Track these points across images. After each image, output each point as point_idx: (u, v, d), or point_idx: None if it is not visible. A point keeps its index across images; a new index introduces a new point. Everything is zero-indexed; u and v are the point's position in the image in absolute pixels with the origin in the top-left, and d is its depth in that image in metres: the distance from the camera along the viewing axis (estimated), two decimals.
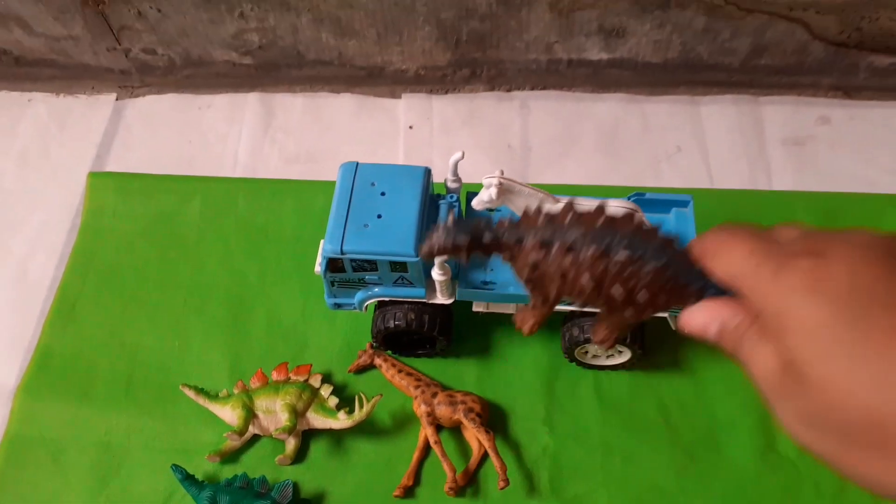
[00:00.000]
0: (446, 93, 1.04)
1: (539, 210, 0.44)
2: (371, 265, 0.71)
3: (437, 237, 0.45)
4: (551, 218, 0.43)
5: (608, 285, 0.40)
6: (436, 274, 0.71)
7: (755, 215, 0.91)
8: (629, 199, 0.77)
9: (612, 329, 0.46)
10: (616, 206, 0.70)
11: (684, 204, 0.78)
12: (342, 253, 0.69)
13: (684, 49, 0.98)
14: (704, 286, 0.39)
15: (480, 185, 0.71)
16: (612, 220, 0.41)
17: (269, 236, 0.90)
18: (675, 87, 1.03)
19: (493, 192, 0.69)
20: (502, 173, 0.70)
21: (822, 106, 1.03)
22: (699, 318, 0.37)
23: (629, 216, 0.42)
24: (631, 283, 0.40)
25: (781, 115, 1.02)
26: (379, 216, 0.71)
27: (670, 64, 1.00)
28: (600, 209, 0.42)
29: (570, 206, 0.43)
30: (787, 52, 0.98)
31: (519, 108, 1.03)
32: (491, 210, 0.79)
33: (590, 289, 0.40)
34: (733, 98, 1.03)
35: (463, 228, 0.45)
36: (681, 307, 0.40)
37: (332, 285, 0.75)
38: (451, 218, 0.46)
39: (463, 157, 0.74)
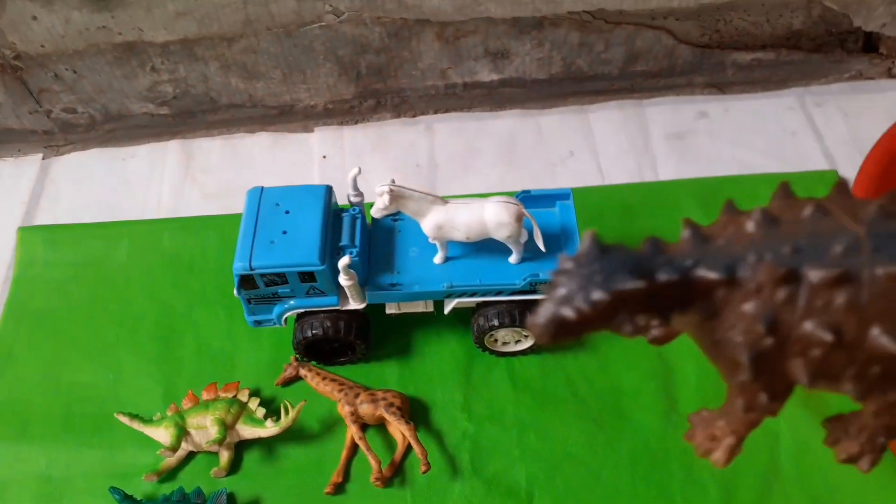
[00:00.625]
0: (356, 123, 1.12)
1: (732, 210, 0.30)
2: (281, 278, 0.77)
3: (568, 291, 0.26)
4: (771, 221, 0.28)
5: None
6: (342, 279, 0.77)
7: (642, 205, 0.99)
8: (516, 196, 0.84)
9: (889, 430, 0.33)
10: (496, 202, 0.77)
11: (566, 197, 0.85)
12: (251, 269, 0.75)
13: (565, 63, 1.07)
14: None
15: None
16: (885, 209, 0.28)
17: (193, 269, 0.95)
18: (564, 99, 1.12)
19: (385, 199, 0.76)
20: (393, 182, 0.77)
21: (700, 102, 1.13)
22: None
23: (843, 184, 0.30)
24: None
25: (663, 113, 1.11)
26: (284, 232, 0.77)
27: (556, 78, 1.09)
28: (842, 185, 0.29)
29: (786, 192, 0.29)
30: (659, 57, 1.08)
31: (424, 131, 1.11)
32: (394, 219, 0.87)
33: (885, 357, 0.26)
34: (618, 103, 1.12)
35: (616, 263, 0.27)
36: None
37: (249, 302, 0.81)
38: (586, 243, 0.28)
39: (359, 172, 0.81)
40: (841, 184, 0.30)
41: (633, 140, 1.08)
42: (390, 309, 0.84)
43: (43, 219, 1.03)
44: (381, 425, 0.84)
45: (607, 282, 0.26)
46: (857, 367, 0.27)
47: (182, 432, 0.79)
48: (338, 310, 0.82)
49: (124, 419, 0.82)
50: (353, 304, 0.81)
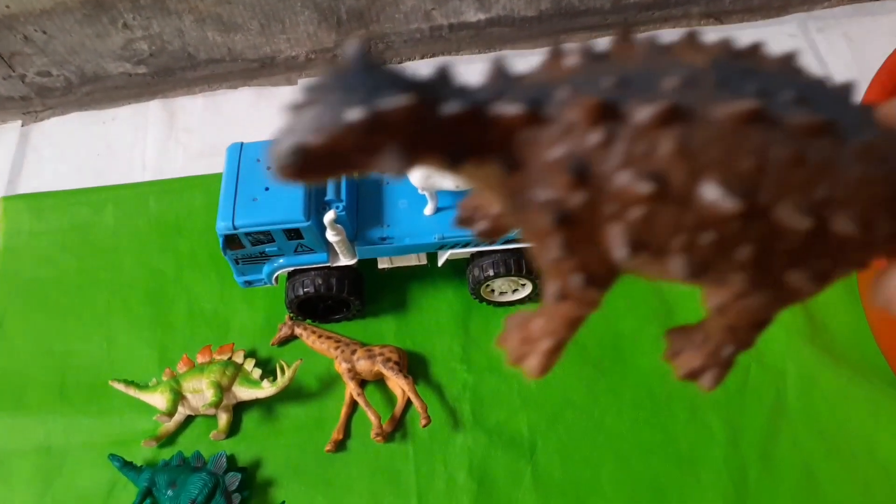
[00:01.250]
0: None
1: (556, 51, 0.23)
2: (266, 236, 0.75)
3: (317, 112, 0.20)
4: (597, 56, 0.23)
5: (770, 202, 0.21)
6: (330, 235, 0.75)
7: None
8: None
9: (737, 336, 0.27)
10: None
11: None
12: (235, 228, 0.73)
13: None
14: None
15: None
16: (733, 50, 0.23)
17: (182, 231, 0.93)
18: (556, 37, 1.08)
19: None
20: None
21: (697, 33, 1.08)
22: None
23: (757, 45, 0.24)
24: (820, 195, 0.21)
25: None
26: (266, 189, 0.74)
27: (545, 15, 1.04)
28: (692, 35, 0.24)
29: (626, 35, 0.24)
30: None
31: None
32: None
33: (733, 226, 0.21)
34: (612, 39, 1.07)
35: (386, 79, 0.21)
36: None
37: (238, 263, 0.79)
38: (351, 53, 0.22)
39: None
40: (691, 33, 0.24)
41: None
42: (382, 263, 0.82)
43: (26, 187, 1.01)
44: (379, 381, 0.83)
45: (367, 99, 0.20)
46: (687, 234, 0.21)
47: (178, 397, 0.79)
48: (328, 266, 0.80)
49: (120, 386, 0.81)
50: (344, 261, 0.79)
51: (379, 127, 0.20)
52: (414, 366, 0.83)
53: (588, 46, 0.23)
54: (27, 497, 0.78)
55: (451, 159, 0.22)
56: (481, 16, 1.03)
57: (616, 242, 0.22)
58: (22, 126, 1.07)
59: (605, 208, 0.21)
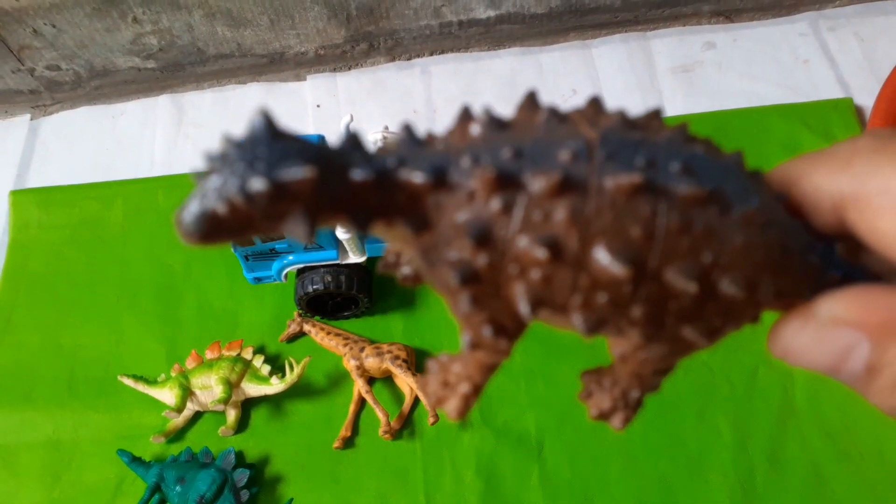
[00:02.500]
0: (349, 69, 1.08)
1: (464, 116, 0.25)
2: (277, 233, 0.75)
3: (223, 179, 0.21)
4: (501, 125, 0.24)
5: (660, 267, 0.22)
6: (339, 233, 0.75)
7: None
8: None
9: (642, 381, 0.29)
10: None
11: None
12: None
13: None
14: (830, 259, 0.24)
15: None
16: (628, 121, 0.24)
17: None
18: (566, 35, 1.07)
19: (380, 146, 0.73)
20: (386, 128, 0.74)
21: (707, 32, 1.08)
22: (836, 340, 0.22)
23: (655, 113, 0.26)
24: (706, 260, 0.23)
25: (669, 46, 1.06)
26: None
27: (555, 12, 1.04)
28: (595, 101, 0.25)
29: (532, 101, 0.25)
30: None
31: (420, 75, 1.06)
32: None
33: (625, 288, 0.22)
34: (622, 37, 1.07)
35: (290, 149, 0.21)
36: (781, 309, 0.25)
37: (247, 259, 0.79)
38: (255, 123, 0.22)
39: (352, 119, 0.78)
40: (594, 99, 0.26)
41: (639, 75, 1.04)
42: None
43: (35, 181, 1.01)
44: (387, 378, 0.83)
45: (271, 169, 0.21)
46: (584, 294, 0.23)
47: (186, 392, 0.79)
48: (338, 264, 0.80)
49: (129, 381, 0.81)
50: (353, 258, 0.79)
51: (282, 196, 0.21)
52: (422, 364, 0.83)
53: (493, 114, 0.24)
54: (36, 491, 0.78)
55: (358, 222, 0.23)
56: (491, 13, 1.03)
57: (519, 300, 0.23)
58: (31, 120, 1.07)
59: (508, 269, 0.23)
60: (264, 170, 0.21)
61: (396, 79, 1.06)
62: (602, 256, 0.22)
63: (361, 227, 0.23)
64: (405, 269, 0.28)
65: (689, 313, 0.24)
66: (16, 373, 0.85)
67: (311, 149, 0.22)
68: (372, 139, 0.73)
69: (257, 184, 0.21)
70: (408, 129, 0.24)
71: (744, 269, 0.23)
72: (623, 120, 0.24)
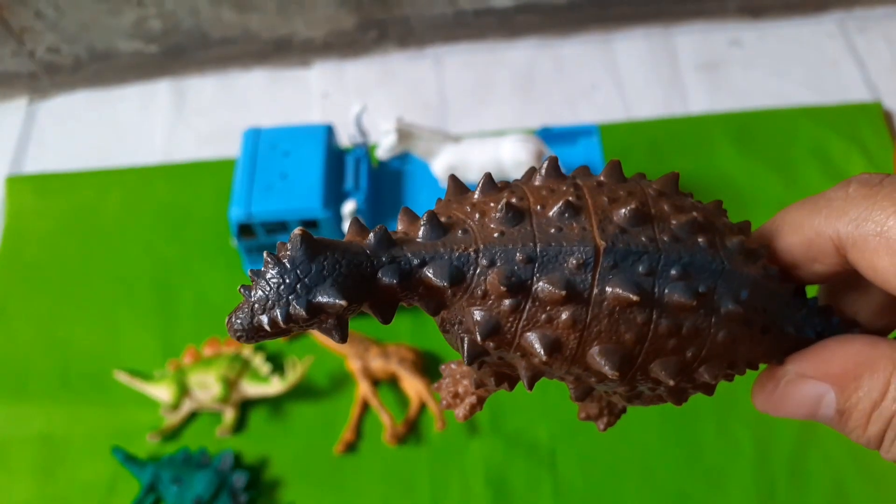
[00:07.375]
0: (358, 57, 1.04)
1: (488, 188, 0.28)
2: (282, 226, 0.71)
3: (267, 298, 0.25)
4: (517, 214, 0.26)
5: (645, 362, 0.26)
6: (347, 227, 0.72)
7: (672, 141, 0.92)
8: (536, 133, 0.78)
9: (611, 408, 0.34)
10: (513, 139, 0.70)
11: (590, 134, 0.78)
12: (250, 216, 0.69)
13: None
14: (805, 324, 0.28)
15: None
16: (640, 213, 0.26)
17: (190, 218, 0.90)
18: (586, 26, 1.04)
19: (392, 138, 0.70)
20: (400, 119, 0.71)
21: (732, 29, 1.04)
22: (806, 393, 0.26)
23: (673, 178, 0.29)
24: (688, 355, 0.26)
25: (693, 41, 1.03)
26: (284, 176, 0.71)
27: (575, 3, 1.00)
28: (615, 165, 0.28)
29: (554, 167, 0.28)
30: None
31: (432, 64, 1.03)
32: (401, 161, 0.80)
33: (615, 380, 0.26)
34: (644, 30, 1.03)
35: (326, 271, 0.25)
36: (756, 363, 0.29)
37: (249, 252, 0.75)
38: (294, 244, 0.25)
39: (363, 109, 0.74)
40: (614, 164, 0.28)
41: (661, 71, 1.00)
42: None
43: (31, 167, 0.97)
44: (392, 381, 0.79)
45: (308, 294, 0.24)
46: (576, 377, 0.27)
47: (183, 390, 0.75)
48: None
49: (124, 378, 0.78)
50: None
51: (318, 315, 0.25)
52: (429, 367, 0.79)
53: (507, 206, 0.26)
54: (28, 487, 0.75)
55: (383, 315, 0.27)
56: (508, 2, 0.99)
57: (522, 373, 0.27)
58: (28, 104, 1.04)
59: (515, 352, 0.26)
60: (302, 297, 0.24)
61: (407, 68, 1.03)
62: (597, 358, 0.25)
63: (385, 320, 0.27)
64: (461, 408, 0.33)
65: (667, 392, 0.28)
66: (8, 365, 0.82)
67: (344, 266, 0.25)
68: (384, 130, 0.70)
69: (296, 310, 0.24)
70: (431, 217, 0.26)
71: (722, 359, 0.26)
72: (636, 213, 0.26)
